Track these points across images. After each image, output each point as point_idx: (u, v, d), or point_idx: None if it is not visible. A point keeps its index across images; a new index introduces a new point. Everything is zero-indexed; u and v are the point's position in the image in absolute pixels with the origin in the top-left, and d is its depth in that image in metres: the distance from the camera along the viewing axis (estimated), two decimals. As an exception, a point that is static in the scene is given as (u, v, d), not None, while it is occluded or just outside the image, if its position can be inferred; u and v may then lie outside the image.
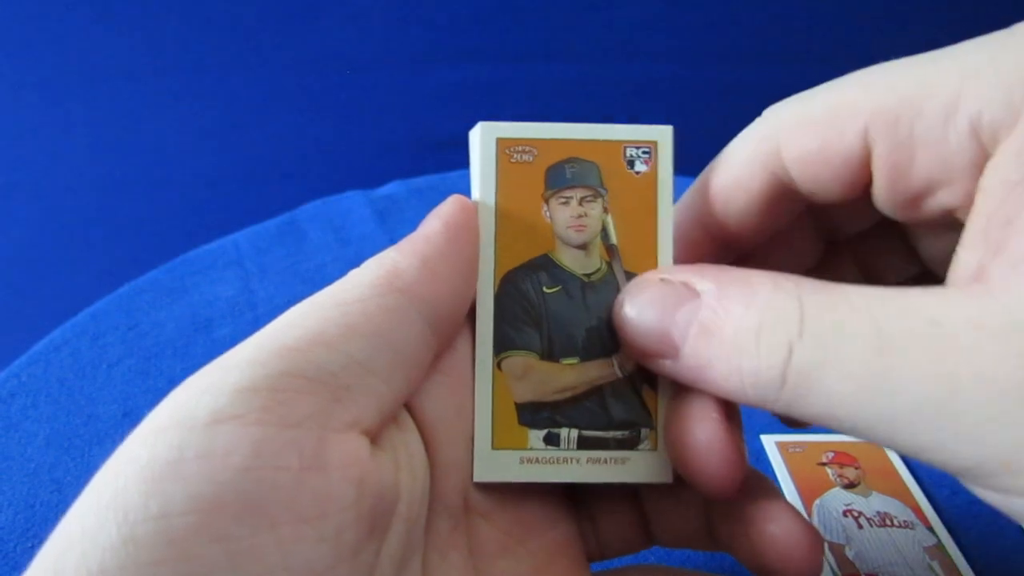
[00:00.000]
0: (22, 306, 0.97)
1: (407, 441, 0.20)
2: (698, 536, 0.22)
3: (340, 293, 0.19)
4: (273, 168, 1.04)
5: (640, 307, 0.20)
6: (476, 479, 0.21)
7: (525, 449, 0.21)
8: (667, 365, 0.19)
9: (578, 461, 0.21)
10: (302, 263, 0.49)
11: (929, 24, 0.99)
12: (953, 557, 0.31)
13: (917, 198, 0.19)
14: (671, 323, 0.19)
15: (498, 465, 0.21)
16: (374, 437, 0.18)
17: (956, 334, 0.15)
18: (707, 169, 0.22)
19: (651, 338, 0.20)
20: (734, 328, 0.18)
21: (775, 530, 0.20)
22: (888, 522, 0.32)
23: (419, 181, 0.58)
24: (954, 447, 0.15)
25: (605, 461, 0.21)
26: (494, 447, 0.21)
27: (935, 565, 0.31)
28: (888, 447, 0.16)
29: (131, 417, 0.37)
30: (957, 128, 0.17)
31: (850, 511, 0.33)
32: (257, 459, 0.15)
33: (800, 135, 0.20)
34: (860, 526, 0.32)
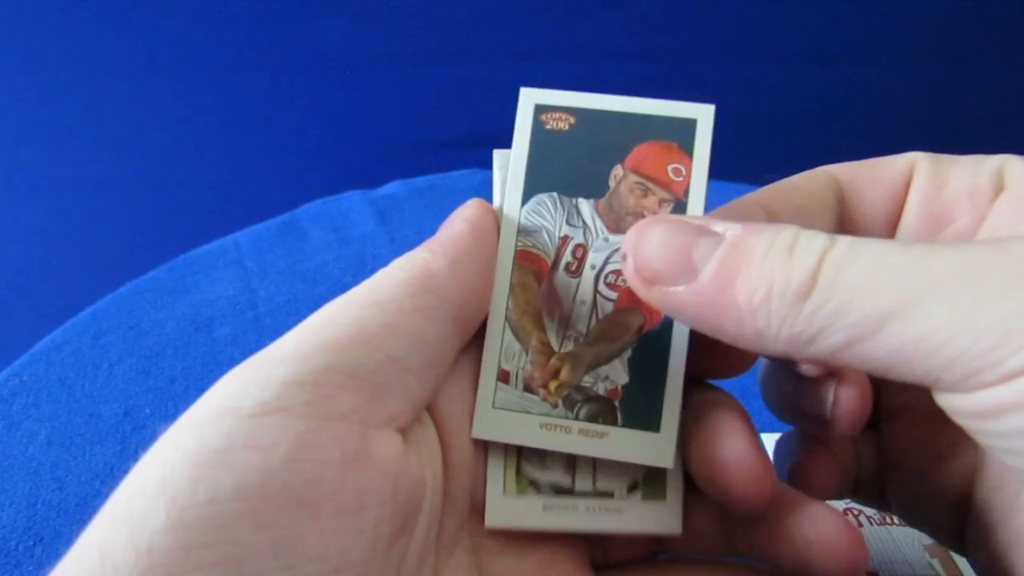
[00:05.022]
0: (23, 305, 0.97)
1: (429, 439, 0.20)
2: (708, 543, 0.22)
3: (375, 292, 0.19)
4: (273, 168, 1.04)
5: (655, 229, 0.18)
6: (488, 524, 0.21)
7: (537, 495, 0.21)
8: (678, 293, 0.18)
9: (589, 509, 0.21)
10: (303, 263, 0.49)
11: (929, 24, 0.99)
12: (953, 555, 0.31)
13: (942, 219, 0.21)
14: (692, 244, 0.18)
15: (510, 511, 0.21)
16: (404, 434, 0.19)
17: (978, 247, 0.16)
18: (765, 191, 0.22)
19: (665, 256, 0.18)
20: (768, 243, 0.17)
21: (815, 532, 0.19)
22: (888, 520, 0.33)
23: (419, 181, 0.57)
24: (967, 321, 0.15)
25: (615, 510, 0.21)
26: (506, 493, 0.21)
27: (935, 563, 0.31)
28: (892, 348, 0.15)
29: (132, 416, 0.37)
30: (987, 168, 0.21)
31: (850, 509, 0.33)
32: (302, 451, 0.16)
33: (857, 167, 0.23)
34: (860, 524, 0.32)
